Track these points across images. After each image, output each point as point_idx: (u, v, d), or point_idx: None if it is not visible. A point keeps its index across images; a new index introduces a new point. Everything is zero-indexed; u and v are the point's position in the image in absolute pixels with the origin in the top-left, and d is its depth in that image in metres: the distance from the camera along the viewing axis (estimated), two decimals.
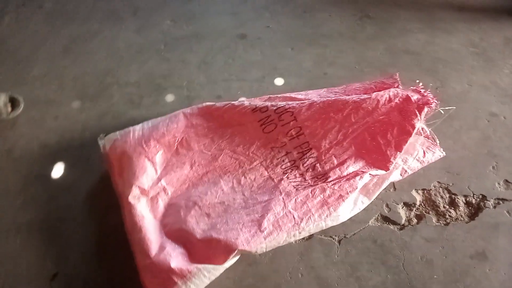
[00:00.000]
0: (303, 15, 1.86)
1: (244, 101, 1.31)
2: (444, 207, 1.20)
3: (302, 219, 1.04)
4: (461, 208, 1.20)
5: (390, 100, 1.15)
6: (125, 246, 1.09)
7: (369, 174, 1.12)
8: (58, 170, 1.32)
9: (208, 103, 1.31)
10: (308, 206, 1.06)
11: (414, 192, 1.23)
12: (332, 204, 1.06)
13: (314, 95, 1.34)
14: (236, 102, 1.28)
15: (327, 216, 1.05)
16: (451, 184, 1.25)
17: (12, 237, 1.17)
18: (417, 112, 1.12)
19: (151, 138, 1.23)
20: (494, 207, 1.20)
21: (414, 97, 1.14)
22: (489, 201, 1.21)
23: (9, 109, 1.43)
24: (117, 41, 1.77)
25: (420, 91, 1.17)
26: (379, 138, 1.15)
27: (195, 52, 1.71)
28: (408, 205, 1.21)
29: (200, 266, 0.96)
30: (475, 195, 1.22)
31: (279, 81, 1.58)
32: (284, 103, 1.24)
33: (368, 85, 1.34)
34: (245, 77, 1.59)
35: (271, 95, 1.37)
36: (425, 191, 1.24)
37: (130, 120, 1.43)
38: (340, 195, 1.08)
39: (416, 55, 1.64)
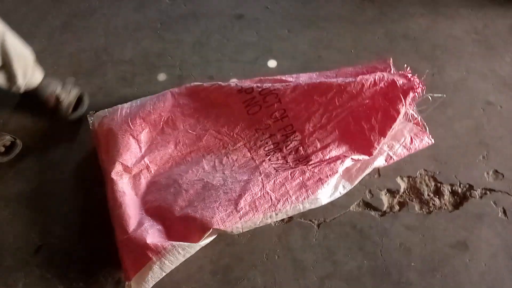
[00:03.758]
0: None
1: (234, 82, 1.30)
2: (428, 195, 1.18)
3: (279, 201, 1.03)
4: (445, 197, 1.18)
5: (375, 84, 1.12)
6: (107, 222, 1.11)
7: (351, 158, 1.10)
8: (48, 145, 1.34)
9: (196, 83, 1.31)
10: (286, 187, 1.05)
11: (399, 179, 1.21)
12: (311, 187, 1.05)
13: (305, 78, 1.32)
14: (223, 83, 1.27)
15: (304, 198, 1.04)
16: (437, 173, 1.22)
17: (2, 207, 1.21)
18: (402, 97, 1.09)
19: (137, 116, 1.23)
20: (481, 197, 1.17)
21: (400, 81, 1.10)
22: (476, 191, 1.18)
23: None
24: (116, 18, 1.76)
25: (407, 76, 1.13)
26: (363, 123, 1.13)
27: (191, 31, 1.69)
28: (392, 192, 1.19)
29: (175, 243, 0.97)
30: (461, 184, 1.20)
31: (272, 63, 1.55)
32: (269, 84, 1.22)
33: (360, 70, 1.31)
34: (239, 58, 1.58)
35: (262, 77, 1.35)
36: (410, 179, 1.22)
37: (122, 98, 1.43)
38: (320, 178, 1.07)
39: (415, 40, 1.59)
